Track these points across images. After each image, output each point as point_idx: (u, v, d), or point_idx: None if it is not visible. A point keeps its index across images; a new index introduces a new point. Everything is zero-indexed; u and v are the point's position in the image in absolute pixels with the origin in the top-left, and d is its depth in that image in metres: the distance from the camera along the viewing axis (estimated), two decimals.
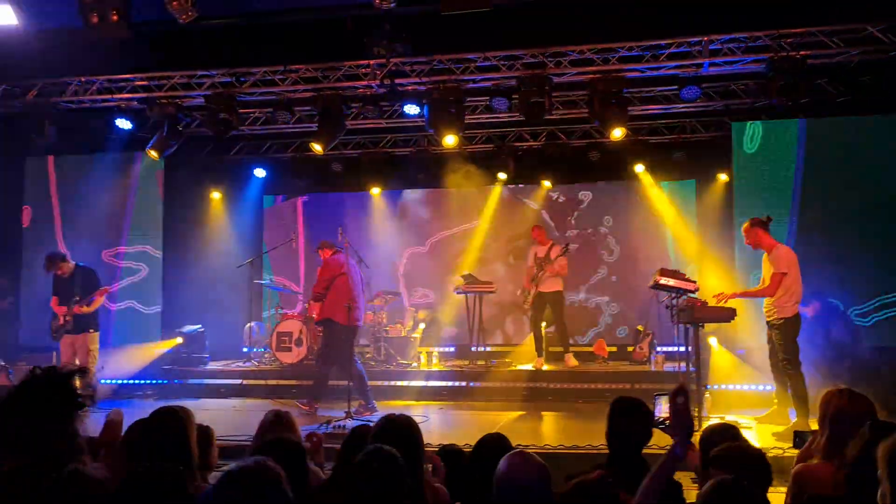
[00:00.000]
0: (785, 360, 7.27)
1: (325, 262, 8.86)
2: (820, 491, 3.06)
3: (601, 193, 12.60)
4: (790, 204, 9.59)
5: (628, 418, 3.64)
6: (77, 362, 8.93)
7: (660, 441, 4.74)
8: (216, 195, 12.74)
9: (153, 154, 9.98)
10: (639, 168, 11.52)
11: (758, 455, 3.10)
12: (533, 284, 10.44)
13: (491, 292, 11.16)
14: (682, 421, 2.86)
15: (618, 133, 9.19)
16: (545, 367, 10.26)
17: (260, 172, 12.54)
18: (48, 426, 2.72)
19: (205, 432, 3.55)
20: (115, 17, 6.82)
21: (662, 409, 3.98)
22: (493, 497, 2.82)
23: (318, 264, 9.16)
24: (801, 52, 8.24)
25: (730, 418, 7.53)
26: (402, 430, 3.49)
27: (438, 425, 8.25)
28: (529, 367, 10.33)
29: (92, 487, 2.43)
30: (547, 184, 12.12)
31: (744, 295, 7.68)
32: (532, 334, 10.69)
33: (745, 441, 3.53)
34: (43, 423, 2.71)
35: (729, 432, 3.56)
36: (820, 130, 9.58)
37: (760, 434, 7.20)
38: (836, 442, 3.19)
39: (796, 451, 4.07)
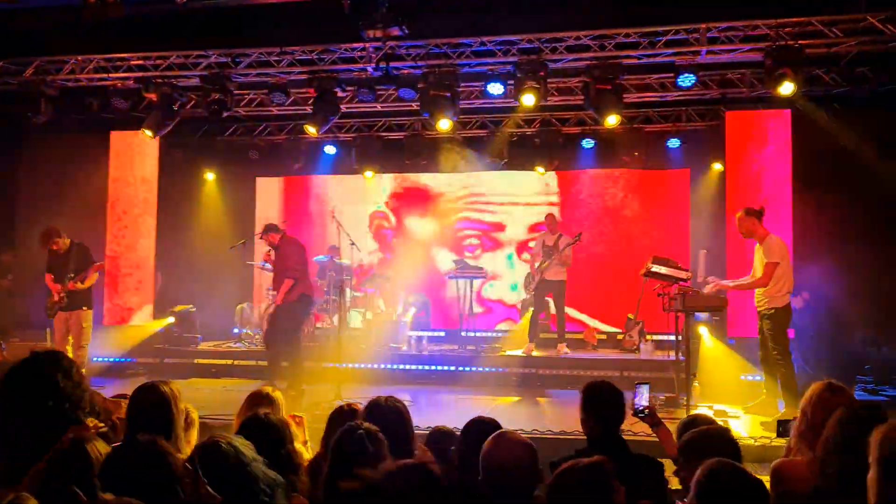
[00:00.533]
0: (775, 351, 7.31)
1: (294, 242, 8.95)
2: (797, 486, 3.05)
3: (594, 180, 12.61)
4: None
5: (603, 402, 3.69)
6: (70, 339, 8.95)
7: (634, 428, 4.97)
8: (210, 176, 12.72)
9: (148, 134, 9.94)
10: (632, 156, 11.51)
11: (726, 437, 3.15)
12: (538, 271, 10.44)
13: (482, 277, 11.18)
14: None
15: (612, 120, 9.17)
16: (535, 353, 10.29)
17: (254, 154, 12.50)
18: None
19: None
20: None
21: (644, 397, 4.19)
22: (480, 477, 2.84)
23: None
24: (800, 42, 8.24)
25: (718, 408, 7.60)
26: (390, 412, 3.51)
27: (426, 409, 8.28)
28: (519, 352, 10.36)
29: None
30: (540, 170, 12.12)
31: (737, 287, 7.69)
32: (524, 320, 10.73)
33: (716, 425, 3.54)
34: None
35: (703, 421, 3.60)
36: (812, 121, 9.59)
37: (748, 423, 7.25)
38: (814, 434, 3.13)
39: (783, 441, 4.09)
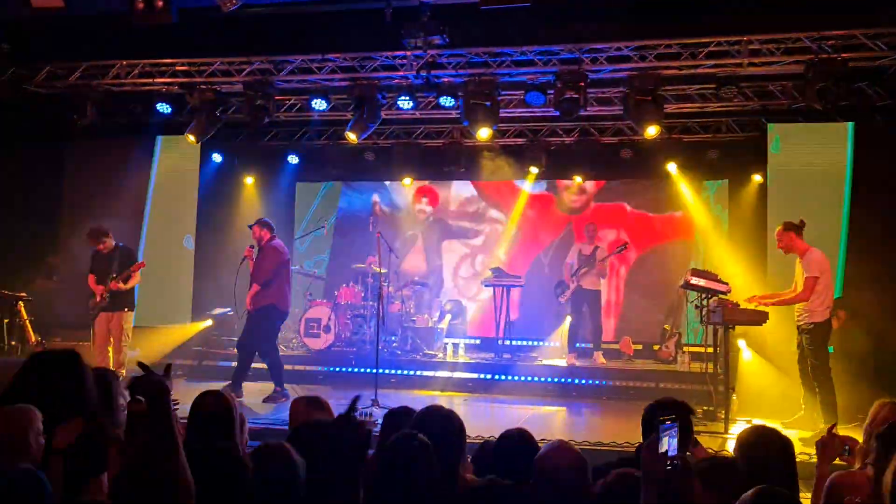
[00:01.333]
0: (814, 366, 7.23)
1: (274, 249, 8.88)
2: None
3: (630, 190, 12.57)
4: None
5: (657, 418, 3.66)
6: (111, 340, 9.11)
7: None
8: (249, 180, 12.88)
9: (191, 138, 10.11)
10: (671, 167, 11.47)
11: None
12: (573, 280, 10.44)
13: (519, 286, 11.20)
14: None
15: (652, 131, 9.14)
16: (577, 363, 10.27)
17: (293, 159, 12.65)
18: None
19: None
20: (159, 4, 6.92)
21: (673, 442, 2.72)
22: (529, 481, 2.88)
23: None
24: (843, 55, 8.15)
25: (756, 422, 7.51)
26: (443, 420, 3.54)
27: (462, 417, 8.29)
28: (556, 362, 10.35)
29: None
30: (578, 179, 12.11)
31: (777, 302, 7.60)
32: (560, 329, 10.73)
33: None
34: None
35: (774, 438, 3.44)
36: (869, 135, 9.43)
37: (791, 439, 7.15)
38: (879, 452, 3.10)
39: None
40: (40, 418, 2.77)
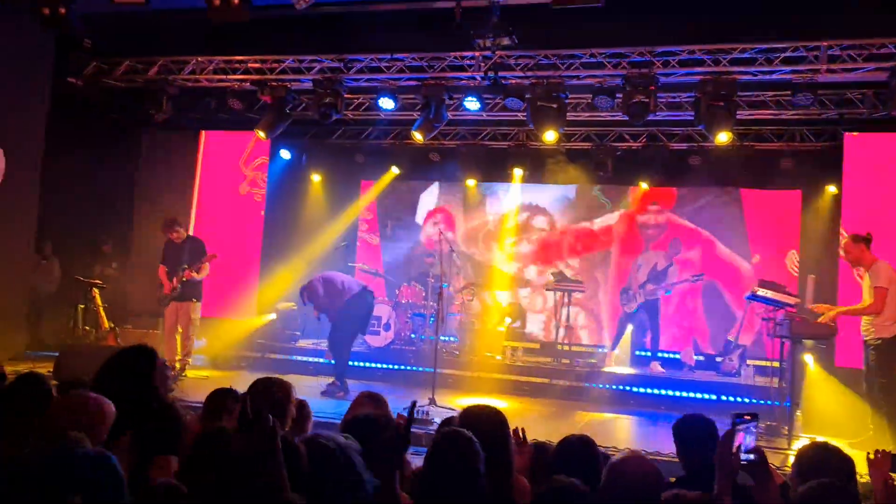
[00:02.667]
0: (881, 384, 6.97)
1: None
2: None
3: (698, 198, 12.32)
4: None
5: (696, 438, 3.58)
6: (180, 329, 9.38)
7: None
8: (316, 178, 13.04)
9: (261, 134, 10.30)
10: (741, 175, 11.20)
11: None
12: (641, 292, 10.35)
13: (581, 291, 11.09)
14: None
15: (723, 137, 8.94)
16: (660, 369, 10.21)
17: (360, 157, 12.76)
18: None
19: (301, 404, 3.75)
20: (236, 1, 7.07)
21: (751, 437, 2.90)
22: (599, 488, 2.84)
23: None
24: None
25: (821, 440, 7.28)
26: (488, 420, 3.52)
27: (518, 421, 8.25)
28: (615, 369, 10.23)
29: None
30: (644, 185, 11.93)
31: (847, 312, 7.36)
32: (624, 337, 10.63)
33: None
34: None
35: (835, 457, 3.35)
36: None
37: (854, 459, 6.92)
38: None
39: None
40: (114, 413, 2.94)
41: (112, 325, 9.64)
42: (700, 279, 10.36)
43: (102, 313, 9.69)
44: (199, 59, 10.07)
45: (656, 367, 10.22)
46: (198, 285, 9.49)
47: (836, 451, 3.24)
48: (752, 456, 2.79)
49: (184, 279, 9.26)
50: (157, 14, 8.80)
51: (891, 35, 7.88)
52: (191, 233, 10.21)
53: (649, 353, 10.48)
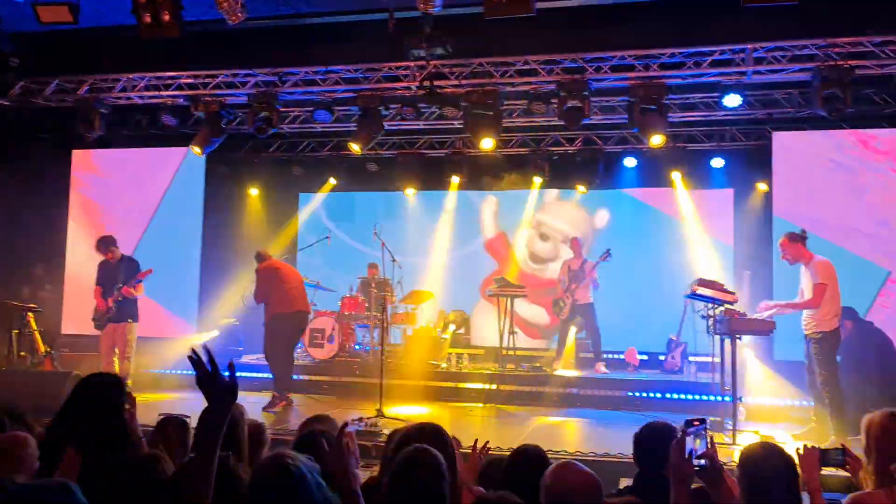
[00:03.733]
0: (822, 377, 7.17)
1: (263, 271, 9.17)
2: None
3: (634, 199, 12.53)
4: None
5: (657, 444, 3.62)
6: (116, 351, 9.16)
7: None
8: (254, 192, 12.88)
9: (196, 150, 10.12)
10: (675, 175, 11.43)
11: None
12: (568, 295, 10.50)
13: (522, 296, 11.17)
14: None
15: (657, 140, 9.12)
16: (604, 369, 10.33)
17: (297, 170, 12.63)
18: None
19: (257, 428, 3.66)
20: (167, 17, 6.94)
21: (702, 442, 3.00)
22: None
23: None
24: (849, 62, 8.13)
25: (765, 433, 7.48)
26: (434, 435, 3.52)
27: (467, 428, 8.27)
28: (560, 372, 10.33)
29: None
30: (581, 189, 12.08)
31: (787, 306, 7.55)
32: (568, 341, 10.76)
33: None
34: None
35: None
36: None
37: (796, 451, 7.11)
38: (885, 467, 3.12)
39: (832, 469, 3.97)
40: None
41: (48, 349, 9.35)
42: (608, 256, 10.50)
43: (38, 337, 9.40)
44: (131, 76, 9.86)
45: (600, 368, 10.36)
46: (134, 306, 9.29)
47: (778, 450, 3.31)
48: (703, 461, 2.83)
49: (120, 298, 9.05)
50: (87, 32, 8.59)
51: (812, 36, 8.14)
52: (127, 252, 9.94)
53: (592, 355, 10.61)
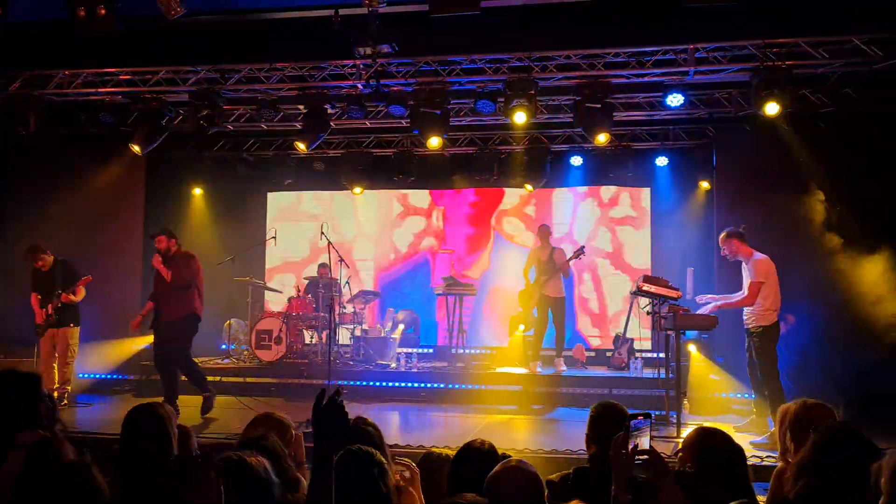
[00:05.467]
0: (763, 370, 7.33)
1: (191, 256, 8.73)
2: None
3: (581, 198, 12.66)
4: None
5: (609, 422, 3.63)
6: (56, 356, 8.93)
7: None
8: (197, 191, 12.65)
9: (136, 149, 9.87)
10: (620, 174, 11.56)
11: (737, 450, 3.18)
12: (536, 288, 10.45)
13: (471, 294, 11.18)
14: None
15: (601, 138, 9.21)
16: (539, 370, 10.28)
17: (242, 169, 12.42)
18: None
19: (185, 432, 3.56)
20: (102, 12, 6.76)
21: (645, 438, 2.96)
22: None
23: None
24: (787, 62, 8.31)
25: (707, 426, 7.59)
26: (365, 433, 3.50)
27: (417, 427, 8.25)
28: (510, 370, 10.35)
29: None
30: (529, 187, 12.13)
31: (724, 305, 7.70)
32: (515, 336, 10.76)
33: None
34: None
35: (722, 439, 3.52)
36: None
37: (738, 442, 7.24)
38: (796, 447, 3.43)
39: (773, 460, 4.09)
40: None
41: None
42: (581, 253, 10.55)
43: None
44: (66, 72, 9.56)
45: (560, 365, 10.37)
46: (75, 309, 9.07)
47: (722, 434, 3.42)
48: (646, 457, 2.85)
49: (59, 304, 8.82)
50: (19, 26, 8.30)
51: (750, 37, 8.30)
52: (65, 254, 9.64)
53: (553, 351, 10.62)
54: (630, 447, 2.83)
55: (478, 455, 3.39)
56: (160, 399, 7.31)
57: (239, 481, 2.47)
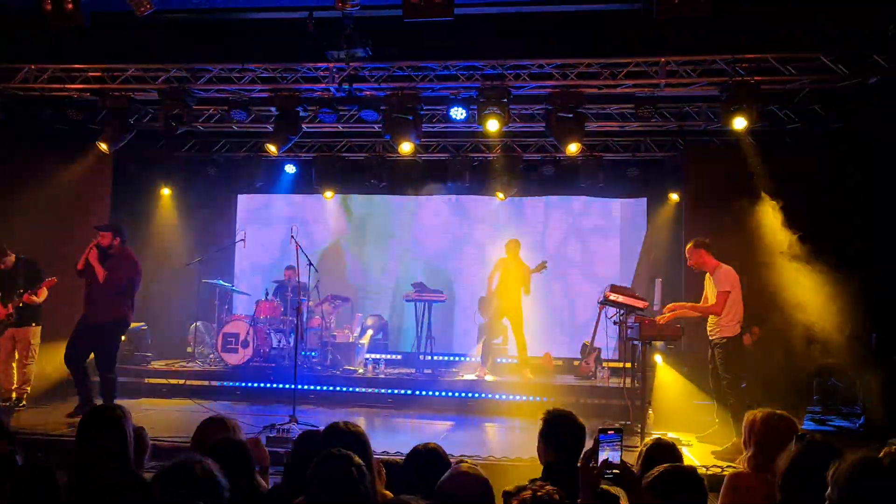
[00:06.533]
0: (725, 380, 7.39)
1: (131, 257, 8.51)
2: (752, 499, 3.40)
3: (552, 207, 12.71)
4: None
5: (563, 432, 3.64)
6: (17, 356, 8.75)
7: None
8: (166, 191, 12.49)
9: (103, 147, 9.74)
10: (590, 183, 11.60)
11: (695, 477, 3.14)
12: (496, 296, 10.50)
13: (441, 301, 11.16)
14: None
15: (573, 148, 9.26)
16: (489, 378, 10.29)
17: (212, 170, 12.30)
18: None
19: (139, 433, 3.51)
20: (69, 6, 6.66)
21: (616, 452, 3.01)
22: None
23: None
24: (755, 78, 8.41)
25: (671, 436, 7.63)
26: (350, 437, 3.46)
27: (381, 433, 8.21)
28: (473, 377, 10.35)
29: None
30: (500, 195, 12.15)
31: (691, 309, 7.75)
32: (481, 344, 10.77)
33: (682, 461, 3.58)
34: None
35: (670, 451, 3.61)
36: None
37: (699, 451, 7.31)
38: (764, 457, 3.58)
39: (735, 468, 4.17)
40: None
41: None
42: (544, 268, 10.63)
43: None
44: (32, 66, 9.40)
45: (527, 374, 10.39)
46: (37, 309, 8.91)
47: (671, 446, 3.65)
48: (615, 471, 2.87)
49: (21, 304, 8.66)
50: None
51: (719, 52, 8.39)
52: (26, 253, 9.46)
53: (514, 360, 10.65)
54: (600, 461, 2.84)
55: (424, 459, 3.42)
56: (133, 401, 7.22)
57: (186, 487, 2.42)
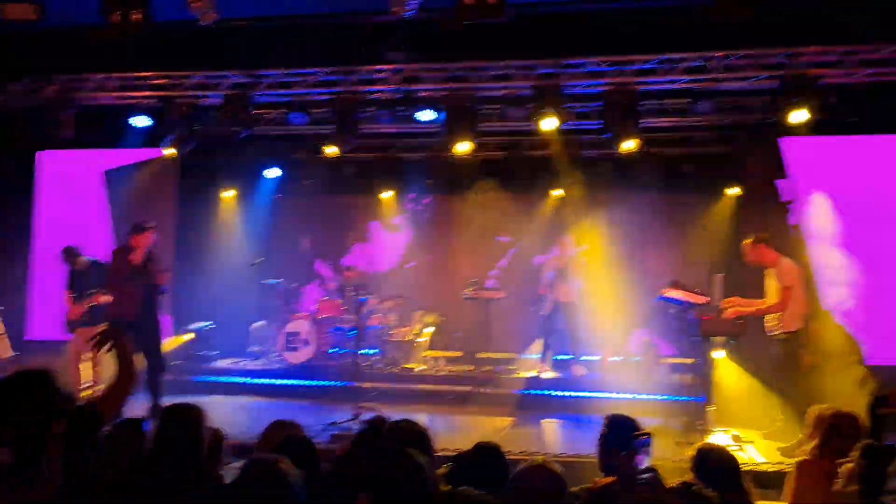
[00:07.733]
0: (790, 375, 7.30)
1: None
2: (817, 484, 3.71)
3: (614, 204, 12.61)
4: None
5: (618, 433, 3.67)
6: (90, 355, 9.05)
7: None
8: (228, 194, 12.80)
9: (169, 152, 10.05)
10: (651, 180, 11.52)
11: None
12: (551, 292, 10.50)
13: (499, 298, 11.21)
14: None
15: (630, 145, 9.23)
16: (547, 375, 10.30)
17: (272, 173, 12.55)
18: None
19: (215, 434, 3.64)
20: (136, 17, 6.89)
21: (645, 456, 3.15)
22: (500, 494, 2.88)
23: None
24: (815, 71, 8.28)
25: (735, 433, 7.59)
26: (413, 434, 3.55)
27: (441, 430, 8.30)
28: (533, 374, 10.37)
29: None
30: (556, 192, 12.13)
31: (755, 312, 7.67)
32: (540, 341, 10.79)
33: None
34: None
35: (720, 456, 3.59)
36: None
37: (765, 449, 7.23)
38: (829, 448, 3.98)
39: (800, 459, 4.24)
40: None
41: (17, 354, 9.24)
42: (584, 249, 10.64)
43: (7, 342, 9.29)
44: (101, 76, 9.75)
45: (579, 370, 10.38)
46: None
47: (720, 451, 3.64)
48: (647, 475, 3.02)
49: (93, 303, 8.97)
50: (54, 30, 8.48)
51: (779, 45, 8.28)
52: (97, 255, 9.81)
53: (571, 356, 10.63)
54: (634, 464, 3.04)
55: (485, 455, 3.47)
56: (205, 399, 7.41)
57: (271, 486, 2.53)
